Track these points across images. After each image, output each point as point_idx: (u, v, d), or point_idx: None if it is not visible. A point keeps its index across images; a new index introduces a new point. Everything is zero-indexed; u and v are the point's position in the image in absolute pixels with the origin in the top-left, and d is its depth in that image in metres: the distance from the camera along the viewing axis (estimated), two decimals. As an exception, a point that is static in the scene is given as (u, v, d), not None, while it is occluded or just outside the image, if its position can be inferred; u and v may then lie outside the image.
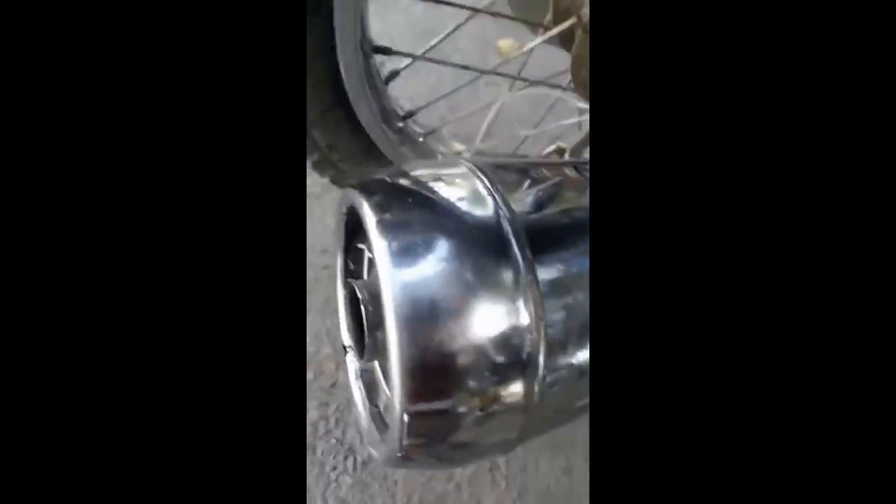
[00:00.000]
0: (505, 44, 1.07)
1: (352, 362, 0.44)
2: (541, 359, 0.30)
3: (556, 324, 0.30)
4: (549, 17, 0.61)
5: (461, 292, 0.28)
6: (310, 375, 0.83)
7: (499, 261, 0.29)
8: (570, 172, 0.43)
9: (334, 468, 0.77)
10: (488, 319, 0.28)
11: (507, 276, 0.29)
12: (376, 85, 0.63)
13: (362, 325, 0.38)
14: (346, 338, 0.45)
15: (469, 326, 0.28)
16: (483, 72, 0.60)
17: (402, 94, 0.72)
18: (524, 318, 0.29)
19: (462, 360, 0.28)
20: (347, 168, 0.69)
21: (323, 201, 0.97)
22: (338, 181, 0.72)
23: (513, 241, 0.29)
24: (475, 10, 0.59)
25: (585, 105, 0.64)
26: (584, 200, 0.37)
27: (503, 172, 0.35)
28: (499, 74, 0.63)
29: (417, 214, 0.30)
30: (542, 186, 0.38)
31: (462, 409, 0.29)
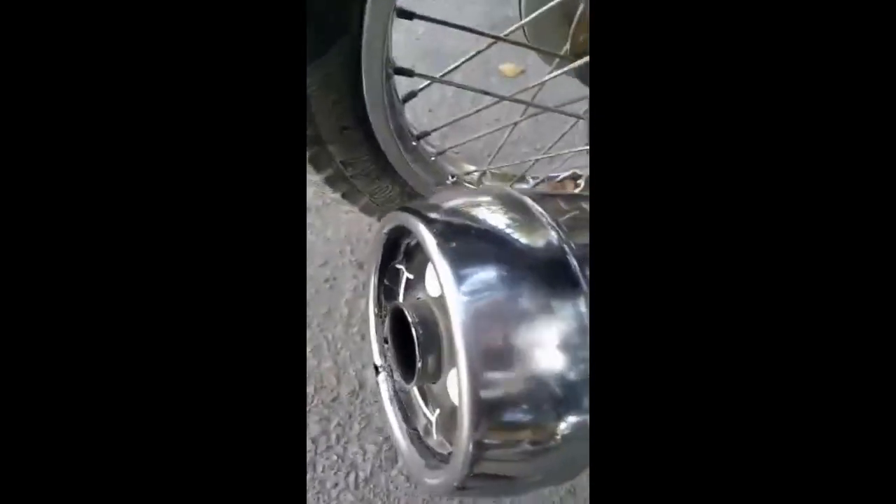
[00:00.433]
0: (507, 67, 1.10)
1: (385, 382, 0.44)
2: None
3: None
4: (566, 47, 0.64)
5: (529, 323, 0.29)
6: (310, 389, 0.82)
7: (565, 292, 0.30)
8: (584, 205, 0.45)
9: (335, 485, 0.76)
10: (555, 352, 0.29)
11: (575, 307, 0.30)
12: (395, 104, 0.64)
13: (403, 345, 0.38)
14: (378, 357, 0.45)
15: (538, 360, 0.29)
16: (502, 98, 0.62)
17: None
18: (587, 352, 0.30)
19: (530, 394, 0.29)
20: (360, 185, 0.70)
21: (324, 214, 0.97)
22: (350, 197, 0.72)
23: (578, 271, 0.30)
24: (495, 38, 0.61)
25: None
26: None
27: (551, 202, 0.36)
28: (516, 101, 0.65)
29: (483, 245, 0.31)
30: (581, 218, 0.39)
31: (527, 443, 0.30)
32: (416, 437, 0.40)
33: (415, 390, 0.42)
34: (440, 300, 0.36)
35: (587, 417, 0.30)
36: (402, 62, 0.58)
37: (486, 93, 0.64)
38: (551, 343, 0.30)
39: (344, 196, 0.72)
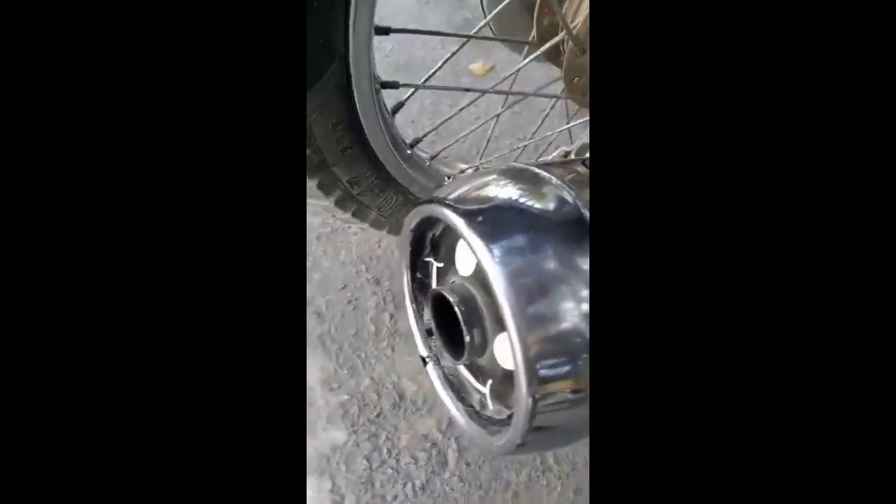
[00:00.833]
0: (476, 66, 1.14)
1: (434, 370, 0.46)
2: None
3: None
4: (533, 34, 0.67)
5: (559, 278, 0.32)
6: (354, 409, 0.84)
7: (586, 244, 0.33)
8: (580, 168, 0.48)
9: (395, 497, 0.78)
10: (583, 302, 0.32)
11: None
12: (386, 117, 0.67)
13: (447, 328, 0.41)
14: (422, 349, 0.47)
15: (571, 312, 0.31)
16: (484, 91, 0.65)
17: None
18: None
19: (568, 346, 0.32)
20: (367, 200, 0.73)
21: (333, 240, 1.00)
22: (359, 214, 0.75)
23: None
24: (468, 37, 0.64)
25: (581, 110, 0.69)
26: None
27: (553, 168, 0.39)
28: (497, 93, 0.68)
29: (507, 215, 0.34)
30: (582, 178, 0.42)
31: (569, 392, 0.32)
32: (474, 413, 0.42)
33: (463, 370, 0.44)
34: (473, 277, 0.39)
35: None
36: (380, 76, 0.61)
37: (469, 89, 0.67)
38: (580, 294, 0.32)
39: (354, 214, 0.74)
